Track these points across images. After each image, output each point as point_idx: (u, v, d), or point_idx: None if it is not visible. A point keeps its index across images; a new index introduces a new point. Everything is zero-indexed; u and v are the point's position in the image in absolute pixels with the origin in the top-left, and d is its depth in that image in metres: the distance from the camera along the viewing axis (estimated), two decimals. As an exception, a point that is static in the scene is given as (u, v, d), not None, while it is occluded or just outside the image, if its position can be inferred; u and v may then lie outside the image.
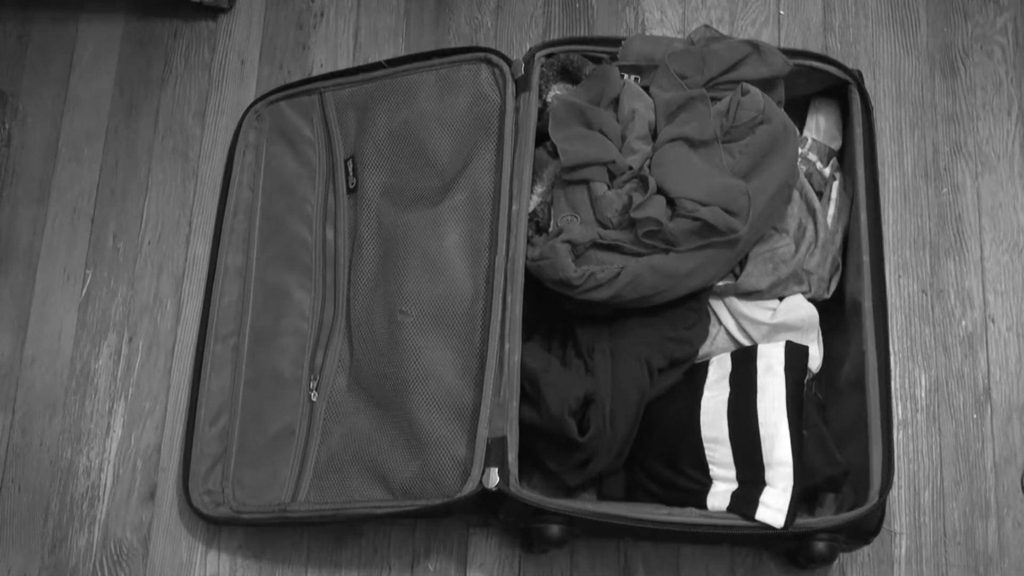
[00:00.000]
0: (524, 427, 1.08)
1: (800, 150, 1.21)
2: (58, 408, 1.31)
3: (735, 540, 1.13)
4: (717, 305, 1.16)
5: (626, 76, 1.20)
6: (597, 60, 1.23)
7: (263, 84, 1.43)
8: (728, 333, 1.15)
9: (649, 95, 1.18)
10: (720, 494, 1.05)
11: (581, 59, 1.23)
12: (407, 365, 1.15)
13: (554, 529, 1.07)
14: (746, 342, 1.14)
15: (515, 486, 1.05)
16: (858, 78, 1.20)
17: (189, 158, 1.41)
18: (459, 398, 1.13)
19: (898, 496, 1.19)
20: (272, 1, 1.47)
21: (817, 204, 1.18)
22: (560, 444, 1.08)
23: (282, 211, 1.32)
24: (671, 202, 1.09)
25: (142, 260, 1.37)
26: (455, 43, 1.41)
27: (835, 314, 1.16)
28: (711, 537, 1.08)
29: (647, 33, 1.39)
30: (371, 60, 1.38)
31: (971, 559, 1.16)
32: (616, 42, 1.23)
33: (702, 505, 1.05)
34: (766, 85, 1.16)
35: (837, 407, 1.13)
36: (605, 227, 1.11)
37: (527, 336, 1.14)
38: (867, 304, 1.10)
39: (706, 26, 1.23)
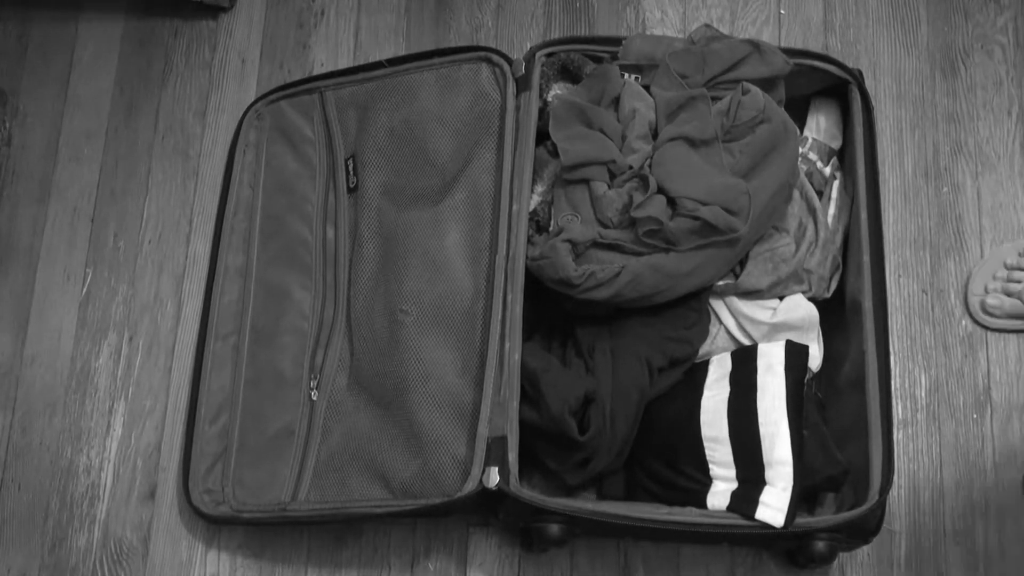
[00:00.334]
0: (524, 426, 1.08)
1: (800, 149, 1.21)
2: (58, 407, 1.31)
3: (735, 540, 1.13)
4: (717, 304, 1.16)
5: (627, 75, 1.20)
6: (598, 59, 1.23)
7: (264, 83, 1.43)
8: (728, 332, 1.15)
9: (649, 94, 1.18)
10: (720, 493, 1.05)
11: (582, 58, 1.23)
12: (407, 364, 1.15)
13: (554, 528, 1.07)
14: (746, 341, 1.14)
15: (515, 485, 1.05)
16: (858, 77, 1.20)
17: (189, 157, 1.41)
18: (459, 397, 1.13)
19: (898, 496, 1.19)
20: (273, 0, 1.47)
21: (817, 203, 1.18)
22: (560, 443, 1.08)
23: (282, 210, 1.32)
24: (671, 201, 1.09)
25: (142, 259, 1.37)
26: (456, 42, 1.41)
27: (835, 313, 1.16)
28: (711, 537, 1.08)
29: (647, 32, 1.39)
30: (372, 59, 1.38)
31: (971, 559, 1.16)
32: (617, 41, 1.23)
33: (702, 504, 1.05)
34: (767, 84, 1.16)
35: (837, 407, 1.13)
36: (605, 226, 1.11)
37: (527, 336, 1.14)
38: (867, 304, 1.10)
39: (706, 25, 1.23)
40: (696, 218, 1.06)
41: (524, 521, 1.09)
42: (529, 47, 1.28)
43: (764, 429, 1.04)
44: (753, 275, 1.13)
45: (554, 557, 1.18)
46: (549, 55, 1.23)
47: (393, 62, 1.32)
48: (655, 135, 1.16)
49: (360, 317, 1.22)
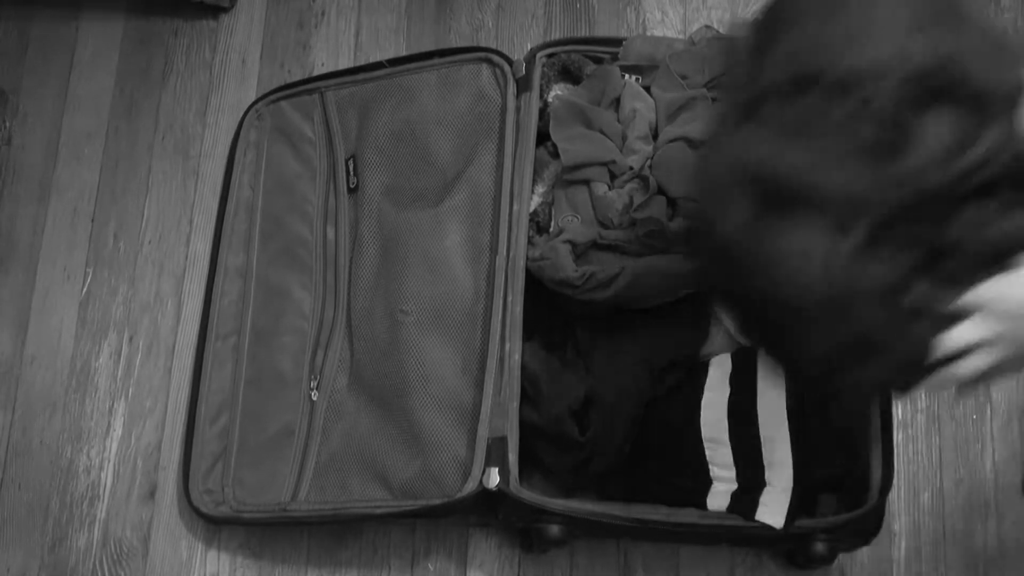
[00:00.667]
0: (525, 427, 1.08)
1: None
2: (58, 407, 1.31)
3: (734, 540, 1.13)
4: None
5: (627, 76, 1.20)
6: (598, 60, 1.23)
7: (264, 83, 1.43)
8: (728, 333, 1.15)
9: (650, 95, 1.18)
10: (720, 494, 1.05)
11: (582, 59, 1.23)
12: (407, 365, 1.15)
13: (554, 529, 1.07)
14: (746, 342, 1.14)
15: (515, 486, 1.05)
16: (859, 79, 1.20)
17: (190, 157, 1.41)
18: (459, 398, 1.13)
19: (898, 496, 1.19)
20: (273, 0, 1.47)
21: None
22: (560, 444, 1.08)
23: (283, 210, 1.32)
24: (672, 202, 1.09)
25: (143, 259, 1.36)
26: (456, 43, 1.41)
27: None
28: (711, 537, 1.08)
29: (648, 33, 1.39)
30: (372, 60, 1.38)
31: (970, 560, 1.16)
32: (617, 42, 1.23)
33: (702, 505, 1.05)
34: (767, 86, 1.16)
35: (837, 408, 1.13)
36: (606, 227, 1.11)
37: (527, 336, 1.14)
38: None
39: (707, 26, 1.24)
40: None
41: (524, 522, 1.09)
42: (530, 48, 1.28)
43: (764, 431, 1.04)
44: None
45: (554, 557, 1.18)
46: (550, 56, 1.23)
47: (394, 62, 1.32)
48: (655, 136, 1.16)
49: (360, 317, 1.22)
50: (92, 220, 1.39)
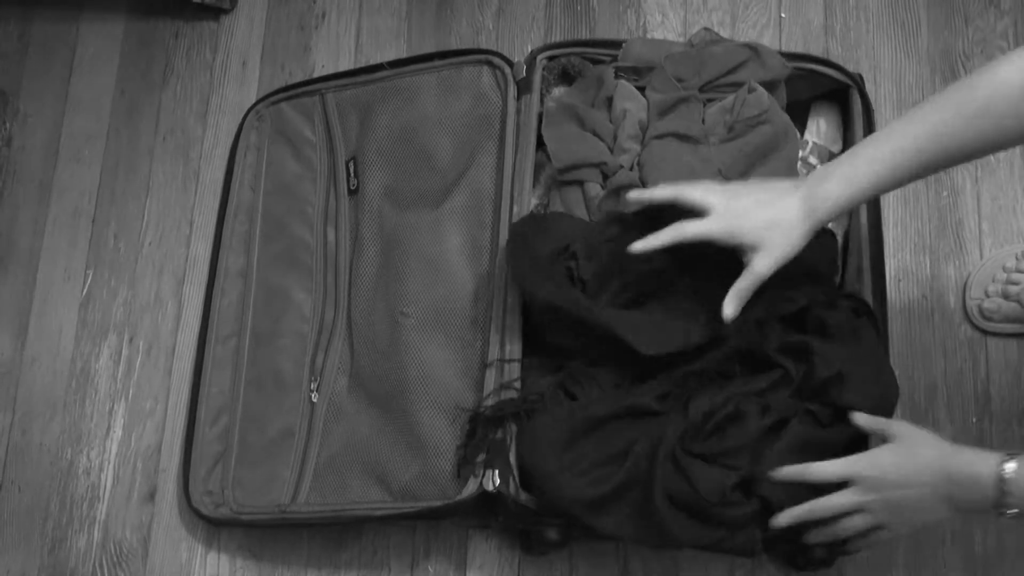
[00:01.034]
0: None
1: (801, 153, 1.21)
2: (58, 408, 1.31)
3: (734, 543, 1.13)
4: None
5: (621, 76, 1.20)
6: (598, 63, 1.23)
7: (264, 85, 1.43)
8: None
9: (644, 97, 1.18)
10: None
11: (582, 62, 1.23)
12: (408, 367, 1.16)
13: (553, 531, 1.07)
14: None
15: (515, 488, 1.05)
16: (859, 82, 1.20)
17: (190, 159, 1.41)
18: (460, 400, 1.13)
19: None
20: (274, 2, 1.47)
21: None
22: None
23: (283, 212, 1.32)
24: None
25: (143, 260, 1.37)
26: (456, 45, 1.41)
27: (835, 317, 1.16)
28: (711, 540, 1.07)
29: (648, 36, 1.39)
30: (372, 61, 1.38)
31: (970, 563, 1.16)
32: (617, 45, 1.23)
33: None
34: (766, 88, 1.16)
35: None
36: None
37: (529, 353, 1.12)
38: (867, 308, 1.11)
39: (706, 29, 1.24)
40: None
41: (524, 524, 1.09)
42: (530, 50, 1.28)
43: None
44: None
45: (553, 559, 1.19)
46: (550, 58, 1.23)
47: (394, 64, 1.32)
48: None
49: (361, 319, 1.23)
50: (92, 221, 1.39)
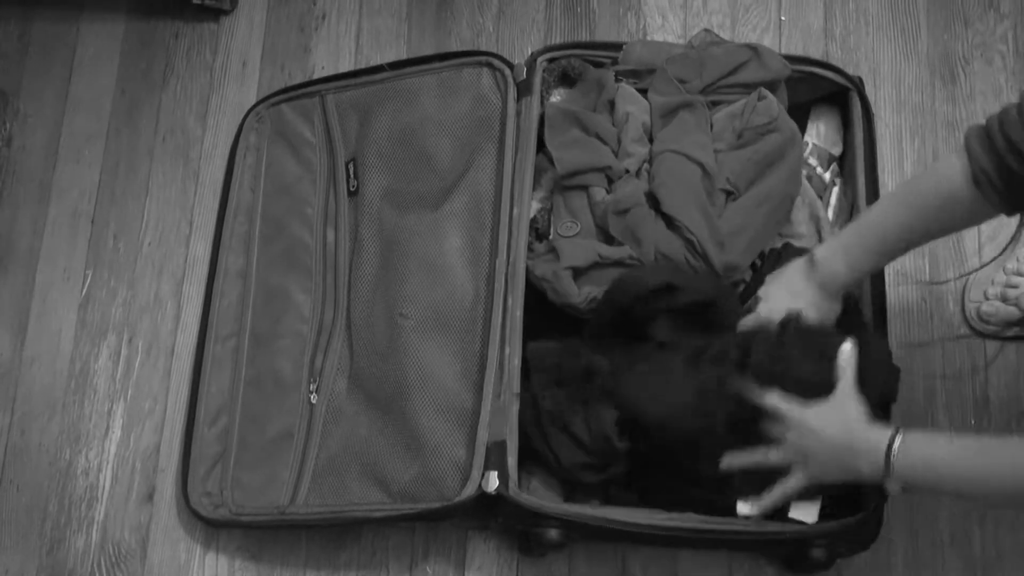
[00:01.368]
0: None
1: (801, 154, 1.22)
2: (57, 409, 1.31)
3: (733, 546, 1.13)
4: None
5: (621, 79, 1.21)
6: (598, 65, 1.23)
7: (264, 86, 1.43)
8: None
9: (646, 99, 1.19)
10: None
11: (582, 64, 1.23)
12: (407, 368, 1.16)
13: (552, 533, 1.07)
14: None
15: (514, 490, 1.05)
16: (859, 84, 1.20)
17: (190, 159, 1.41)
18: (459, 401, 1.13)
19: (895, 501, 1.19)
20: (274, 3, 1.47)
21: (822, 213, 1.18)
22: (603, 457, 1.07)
23: (283, 213, 1.32)
24: (668, 219, 1.10)
25: (142, 261, 1.37)
26: (457, 47, 1.41)
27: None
28: (710, 543, 1.08)
29: (648, 38, 1.39)
30: (372, 63, 1.38)
31: (968, 565, 1.16)
32: (617, 47, 1.23)
33: (731, 509, 1.03)
34: (767, 88, 1.16)
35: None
36: (606, 232, 1.12)
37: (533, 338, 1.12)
38: (866, 311, 1.11)
39: (706, 31, 1.24)
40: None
41: (522, 525, 1.09)
42: (530, 52, 1.28)
43: None
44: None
45: (552, 561, 1.19)
46: (550, 60, 1.23)
47: (394, 66, 1.32)
48: (651, 138, 1.17)
49: (360, 321, 1.23)
50: (92, 222, 1.39)
